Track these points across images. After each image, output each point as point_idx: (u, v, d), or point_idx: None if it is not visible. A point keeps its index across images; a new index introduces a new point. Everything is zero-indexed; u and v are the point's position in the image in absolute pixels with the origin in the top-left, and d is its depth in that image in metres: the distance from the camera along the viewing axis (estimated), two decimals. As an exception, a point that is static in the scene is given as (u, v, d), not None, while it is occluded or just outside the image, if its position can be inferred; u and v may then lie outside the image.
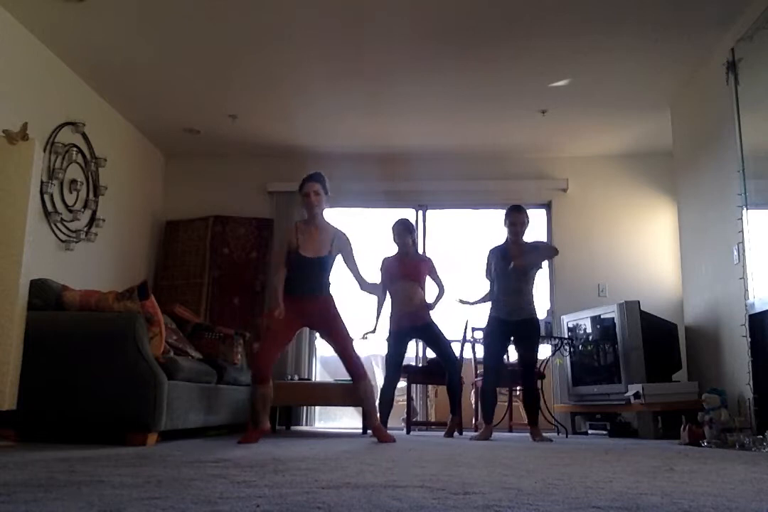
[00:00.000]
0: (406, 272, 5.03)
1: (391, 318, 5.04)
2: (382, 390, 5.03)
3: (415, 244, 5.21)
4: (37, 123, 4.42)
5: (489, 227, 6.61)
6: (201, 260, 6.39)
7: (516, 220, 4.71)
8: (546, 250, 4.85)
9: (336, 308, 4.05)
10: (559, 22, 4.29)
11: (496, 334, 4.65)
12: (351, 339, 4.03)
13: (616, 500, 1.50)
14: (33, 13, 4.21)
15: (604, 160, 6.57)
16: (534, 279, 4.71)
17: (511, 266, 4.54)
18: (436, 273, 5.17)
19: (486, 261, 4.84)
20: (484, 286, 4.88)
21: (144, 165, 6.34)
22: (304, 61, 4.85)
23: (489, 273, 4.82)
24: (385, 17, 4.27)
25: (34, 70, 4.56)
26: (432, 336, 5.01)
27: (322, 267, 4.01)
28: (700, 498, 1.55)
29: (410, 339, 5.17)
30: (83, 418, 3.39)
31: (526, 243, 4.76)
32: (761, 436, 3.56)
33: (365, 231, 6.93)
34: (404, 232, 5.11)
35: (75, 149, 5.05)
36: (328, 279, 4.06)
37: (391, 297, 5.08)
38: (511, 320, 4.60)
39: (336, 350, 4.06)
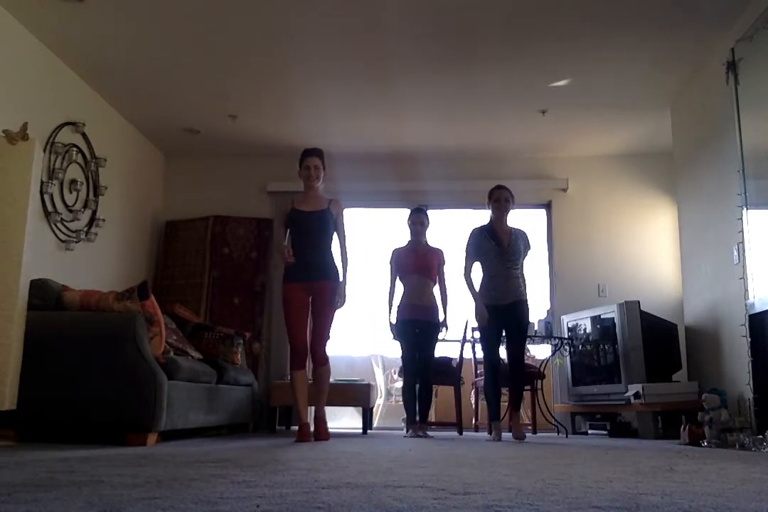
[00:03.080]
0: (418, 266, 4.99)
1: (399, 307, 5.00)
2: (402, 390, 5.07)
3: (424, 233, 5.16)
4: (37, 123, 4.42)
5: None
6: (201, 260, 6.39)
7: (500, 196, 4.63)
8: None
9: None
10: (559, 22, 4.29)
11: (490, 324, 4.53)
12: (331, 323, 4.04)
13: (616, 500, 1.50)
14: (33, 13, 4.21)
15: (604, 160, 6.57)
16: (523, 265, 4.65)
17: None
18: (443, 268, 5.09)
19: (467, 242, 4.71)
20: (464, 267, 4.70)
21: (144, 165, 6.34)
22: (303, 62, 4.85)
23: (470, 255, 4.68)
24: (385, 18, 4.27)
25: (34, 70, 4.56)
26: (427, 334, 4.95)
27: (322, 222, 4.05)
28: (700, 498, 1.55)
29: (416, 329, 5.02)
30: (83, 418, 3.39)
31: (512, 227, 4.68)
32: (761, 436, 3.56)
33: (364, 231, 6.94)
34: (420, 219, 5.07)
35: (75, 149, 5.04)
36: (331, 252, 4.08)
37: (403, 289, 5.03)
38: (500, 304, 4.52)
39: (313, 325, 4.07)
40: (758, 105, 4.00)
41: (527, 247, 4.73)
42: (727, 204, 4.40)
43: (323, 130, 6.14)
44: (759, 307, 3.86)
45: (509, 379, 4.59)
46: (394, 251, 5.13)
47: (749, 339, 3.95)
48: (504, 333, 4.63)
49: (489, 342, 4.59)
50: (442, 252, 5.15)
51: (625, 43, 4.54)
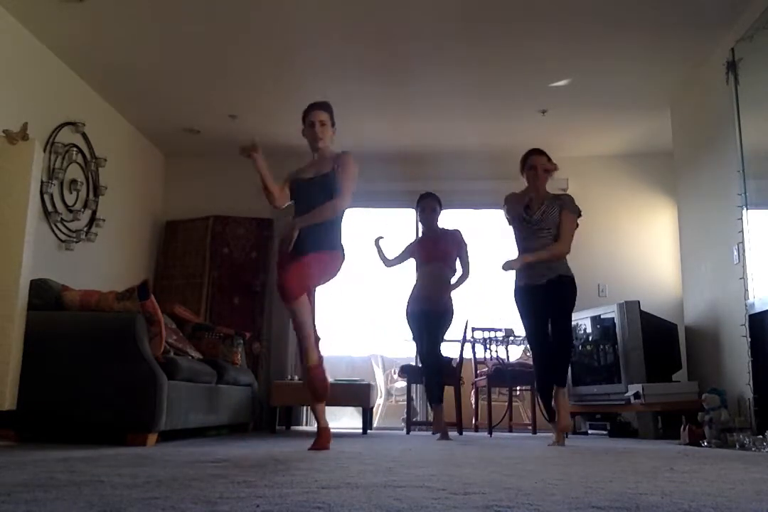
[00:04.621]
0: (431, 254, 4.72)
1: (409, 298, 4.78)
2: (426, 385, 4.81)
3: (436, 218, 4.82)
4: (37, 123, 4.42)
5: (489, 227, 6.60)
6: (201, 260, 6.39)
7: (535, 162, 4.02)
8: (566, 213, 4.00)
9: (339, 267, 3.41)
10: (559, 22, 4.29)
11: (530, 307, 3.95)
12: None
13: (616, 500, 1.50)
14: (33, 13, 4.21)
15: (604, 160, 6.56)
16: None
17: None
18: (465, 250, 4.74)
19: (505, 210, 4.19)
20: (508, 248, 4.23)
21: (144, 165, 6.34)
22: (304, 61, 4.86)
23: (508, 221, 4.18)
24: (384, 18, 4.27)
25: (34, 70, 4.56)
26: (436, 324, 4.66)
27: (324, 187, 3.43)
28: (700, 498, 1.55)
29: (426, 320, 4.72)
30: (83, 418, 3.39)
31: (553, 195, 4.06)
32: (761, 436, 3.55)
33: (364, 231, 6.93)
34: (432, 205, 4.79)
35: (75, 149, 5.04)
36: (333, 220, 3.39)
37: (416, 279, 4.81)
38: (539, 284, 3.91)
39: None
40: (758, 105, 4.00)
41: (572, 212, 4.00)
42: (727, 204, 4.40)
43: (323, 130, 6.12)
44: (759, 307, 3.86)
45: (552, 355, 3.92)
46: (410, 244, 5.02)
47: (749, 339, 3.95)
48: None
49: (533, 330, 3.97)
50: (459, 233, 4.78)
51: (625, 42, 4.53)
